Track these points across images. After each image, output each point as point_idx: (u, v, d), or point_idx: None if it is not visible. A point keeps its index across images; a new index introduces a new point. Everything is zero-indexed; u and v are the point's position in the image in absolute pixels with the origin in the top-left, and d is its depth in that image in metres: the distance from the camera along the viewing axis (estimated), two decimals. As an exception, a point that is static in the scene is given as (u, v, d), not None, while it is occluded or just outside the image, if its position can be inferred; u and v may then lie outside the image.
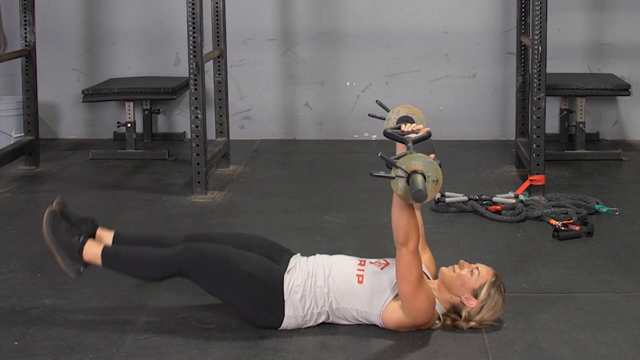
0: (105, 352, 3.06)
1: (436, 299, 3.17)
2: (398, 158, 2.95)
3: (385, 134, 3.26)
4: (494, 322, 3.20)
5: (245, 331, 3.21)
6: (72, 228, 3.28)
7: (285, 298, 3.16)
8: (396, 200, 3.00)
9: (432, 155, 3.03)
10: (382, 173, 2.97)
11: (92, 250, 3.26)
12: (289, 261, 3.26)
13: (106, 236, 3.41)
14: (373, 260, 3.27)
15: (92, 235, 3.36)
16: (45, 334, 3.20)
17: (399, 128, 3.37)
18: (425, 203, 2.96)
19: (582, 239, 4.21)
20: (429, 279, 3.30)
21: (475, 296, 3.14)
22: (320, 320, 3.21)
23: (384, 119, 3.54)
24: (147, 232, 3.55)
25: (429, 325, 3.17)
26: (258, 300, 3.16)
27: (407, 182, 2.93)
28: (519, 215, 4.51)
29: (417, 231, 3.03)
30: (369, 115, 3.61)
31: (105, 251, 3.27)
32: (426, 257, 3.39)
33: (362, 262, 3.25)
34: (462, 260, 3.21)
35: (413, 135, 3.26)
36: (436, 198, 4.70)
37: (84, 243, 3.26)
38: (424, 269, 3.30)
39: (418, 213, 3.40)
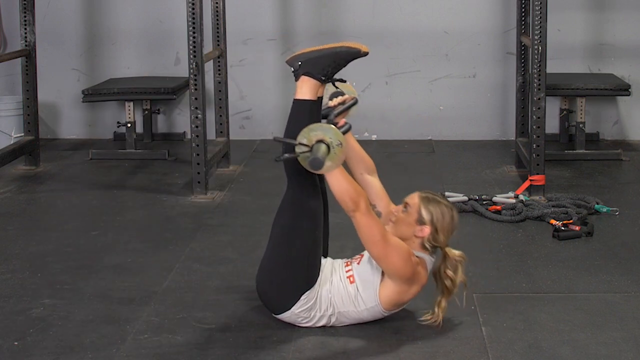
0: (105, 352, 3.06)
1: (413, 250, 3.15)
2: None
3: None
4: (455, 230, 3.18)
5: (245, 331, 3.21)
6: (334, 69, 3.19)
7: (301, 298, 3.16)
8: (326, 174, 3.01)
9: (343, 120, 3.07)
10: (286, 155, 3.00)
11: (308, 87, 3.17)
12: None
13: (319, 92, 3.26)
14: (352, 259, 3.28)
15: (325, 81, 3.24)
16: (45, 334, 3.20)
17: (328, 106, 3.38)
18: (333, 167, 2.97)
19: (582, 239, 4.21)
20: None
21: (423, 223, 3.14)
22: (320, 324, 3.21)
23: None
24: None
25: (423, 278, 3.14)
26: (286, 282, 3.15)
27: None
28: (519, 215, 4.51)
29: (362, 191, 3.04)
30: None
31: (309, 103, 3.17)
32: (377, 185, 3.36)
33: (348, 263, 3.26)
34: (391, 210, 3.23)
35: (339, 107, 3.29)
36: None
37: (314, 77, 3.17)
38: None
39: (356, 144, 3.38)
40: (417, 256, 3.15)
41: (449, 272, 3.18)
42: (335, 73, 3.23)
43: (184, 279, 3.76)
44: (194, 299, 3.52)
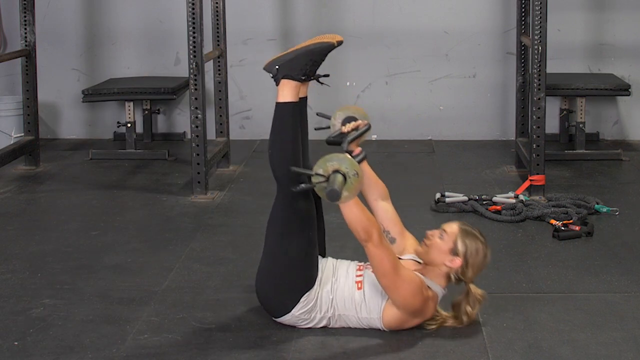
0: (105, 352, 3.06)
1: (429, 280, 3.14)
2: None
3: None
4: (484, 269, 3.17)
5: (245, 331, 3.21)
6: (312, 67, 3.23)
7: (301, 299, 3.16)
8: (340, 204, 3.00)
9: (358, 149, 3.11)
10: (302, 185, 3.00)
11: (288, 90, 3.26)
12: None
13: (302, 92, 3.33)
14: (366, 264, 3.24)
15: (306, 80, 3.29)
16: (45, 334, 3.20)
17: (341, 132, 3.38)
18: (350, 197, 2.97)
19: (582, 239, 4.21)
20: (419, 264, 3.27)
21: (456, 254, 3.12)
22: (321, 325, 3.21)
23: (329, 128, 3.53)
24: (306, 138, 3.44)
25: (429, 312, 3.14)
26: (285, 284, 3.15)
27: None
28: (519, 215, 4.51)
29: (374, 222, 3.03)
30: (315, 129, 3.53)
31: (291, 105, 3.25)
32: (411, 241, 3.35)
33: (361, 267, 3.24)
34: (427, 232, 3.21)
35: (353, 133, 3.31)
36: (436, 198, 4.71)
37: (293, 79, 3.24)
38: (412, 257, 3.28)
39: (370, 170, 3.37)
40: (430, 289, 3.14)
41: (468, 309, 3.18)
42: (315, 70, 3.25)
43: (184, 279, 3.76)
44: (194, 299, 3.52)
